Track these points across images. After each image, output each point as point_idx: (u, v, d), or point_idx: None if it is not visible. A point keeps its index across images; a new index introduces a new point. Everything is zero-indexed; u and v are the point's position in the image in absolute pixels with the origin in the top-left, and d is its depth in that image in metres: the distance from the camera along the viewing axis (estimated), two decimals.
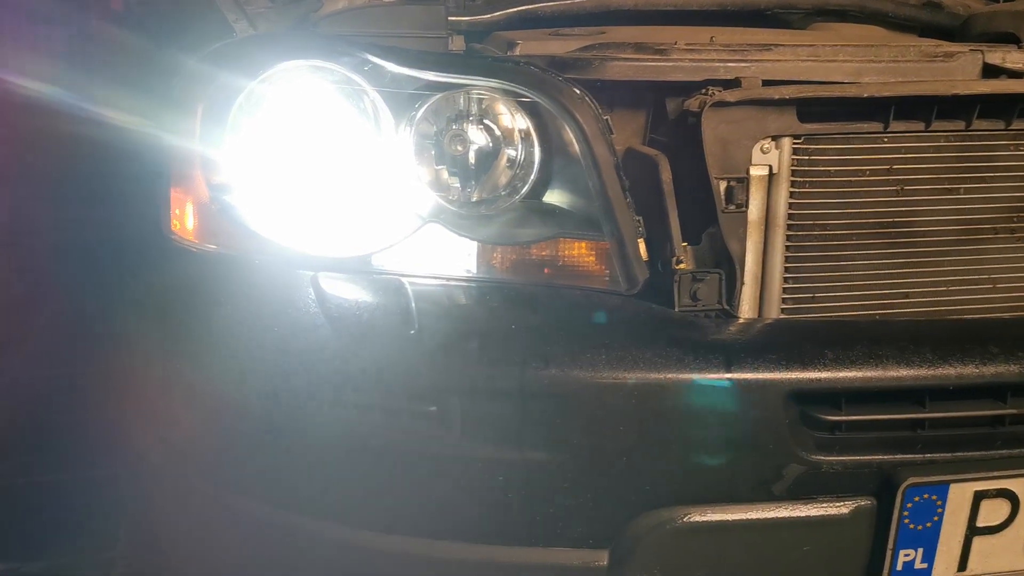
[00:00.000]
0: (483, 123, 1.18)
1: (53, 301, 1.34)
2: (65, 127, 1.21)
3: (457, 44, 1.38)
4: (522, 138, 1.18)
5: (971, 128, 1.20)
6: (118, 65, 1.24)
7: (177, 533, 1.33)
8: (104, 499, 1.49)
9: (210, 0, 1.33)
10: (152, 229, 1.20)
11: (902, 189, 1.20)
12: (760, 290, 1.21)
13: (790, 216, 1.19)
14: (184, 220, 1.21)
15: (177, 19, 1.33)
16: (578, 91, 1.16)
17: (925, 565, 1.15)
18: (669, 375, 1.09)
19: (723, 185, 1.16)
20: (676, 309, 1.17)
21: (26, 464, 1.63)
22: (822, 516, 1.12)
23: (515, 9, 1.49)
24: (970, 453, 1.13)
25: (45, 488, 1.63)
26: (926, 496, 1.11)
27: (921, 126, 1.19)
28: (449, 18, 1.39)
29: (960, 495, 1.13)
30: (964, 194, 1.21)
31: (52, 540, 1.56)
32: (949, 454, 1.12)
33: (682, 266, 1.17)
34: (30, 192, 1.31)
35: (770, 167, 1.18)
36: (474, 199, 1.19)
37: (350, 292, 1.16)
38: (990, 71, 1.26)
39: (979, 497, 1.13)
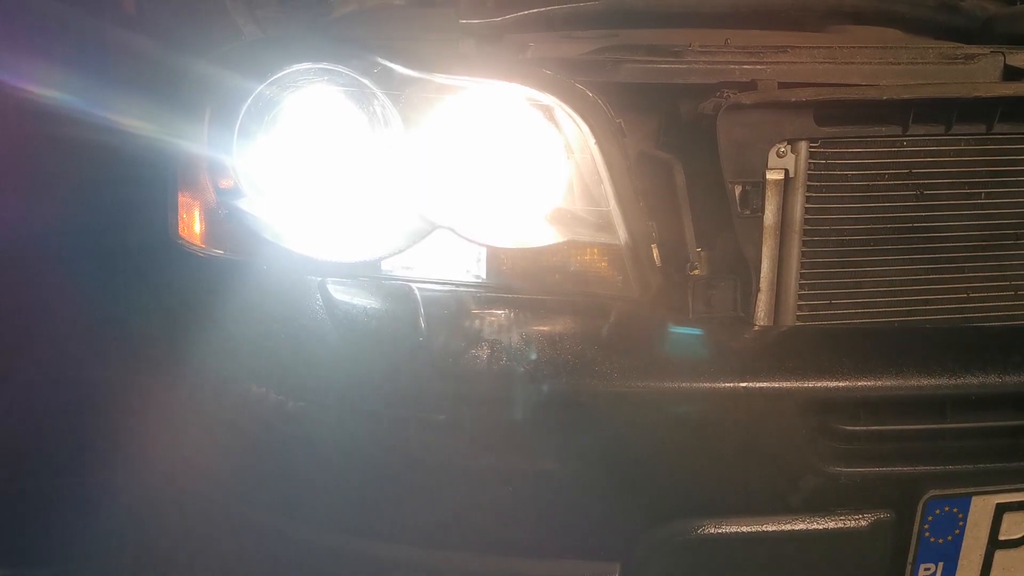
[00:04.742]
0: (493, 126, 1.16)
1: (60, 306, 1.33)
2: (72, 131, 1.20)
3: (468, 47, 1.36)
4: (533, 141, 1.16)
5: (992, 132, 1.17)
6: (125, 68, 1.23)
7: (181, 540, 1.31)
8: (110, 505, 1.48)
9: (219, 3, 1.32)
10: (160, 234, 1.19)
11: (921, 194, 1.18)
12: (776, 297, 1.18)
13: (806, 221, 1.17)
14: (192, 225, 1.20)
15: (185, 22, 1.32)
16: (591, 94, 1.14)
17: None
18: (682, 384, 1.07)
19: (738, 189, 1.14)
20: (690, 316, 1.14)
21: (32, 469, 1.62)
22: (840, 529, 1.09)
23: (526, 12, 1.47)
24: (992, 465, 1.10)
25: (51, 493, 1.62)
26: (947, 509, 1.09)
27: (941, 129, 1.16)
28: (460, 21, 1.37)
29: (982, 508, 1.10)
30: (985, 199, 1.19)
31: (56, 546, 1.56)
32: (971, 466, 1.09)
33: (696, 272, 1.15)
34: (36, 196, 1.30)
35: (786, 171, 1.15)
36: (483, 203, 1.18)
37: (358, 298, 1.15)
38: (1011, 73, 1.24)
39: (1001, 510, 1.10)
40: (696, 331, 1.13)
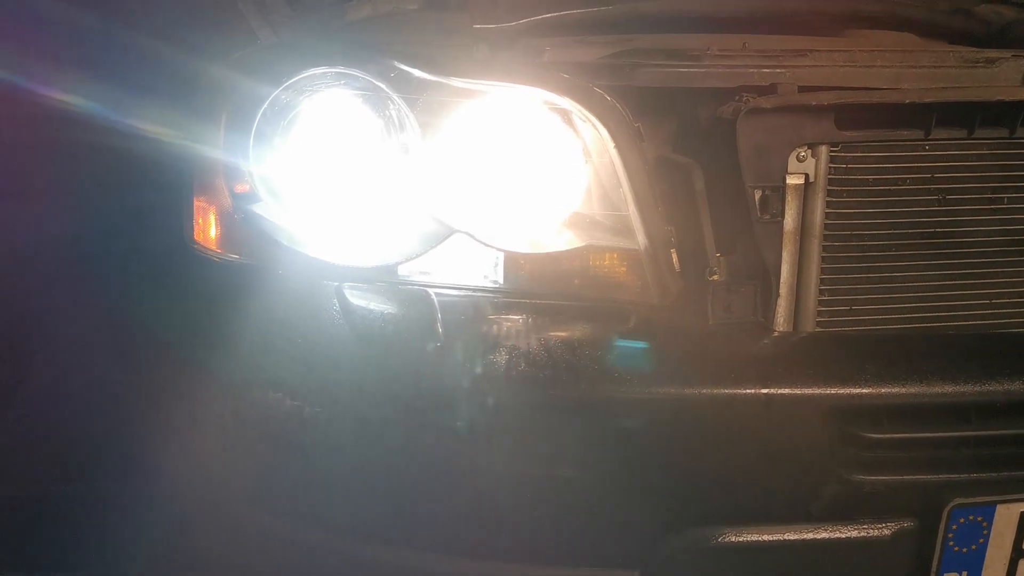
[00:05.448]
0: (511, 130, 1.15)
1: (73, 310, 1.32)
2: (87, 135, 1.19)
3: (482, 52, 1.36)
4: (551, 145, 1.15)
5: (1015, 136, 1.16)
6: (141, 73, 1.23)
7: (195, 546, 1.30)
8: (122, 511, 1.47)
9: (234, 7, 1.31)
10: (175, 239, 1.18)
11: (943, 198, 1.17)
12: (795, 302, 1.17)
13: (827, 226, 1.16)
14: (207, 229, 1.20)
15: (200, 26, 1.32)
16: (609, 98, 1.14)
17: None
18: (703, 390, 1.06)
19: (758, 194, 1.13)
20: (710, 322, 1.13)
21: (42, 474, 1.61)
22: (863, 538, 1.08)
23: (541, 16, 1.47)
24: (1017, 473, 1.09)
25: (61, 498, 1.61)
26: (972, 517, 1.07)
27: (963, 134, 1.15)
28: (474, 25, 1.37)
29: (1007, 516, 1.09)
30: (1008, 203, 1.18)
31: (67, 551, 1.55)
32: (996, 474, 1.08)
33: (715, 277, 1.14)
34: (51, 200, 1.29)
35: (806, 176, 1.14)
36: (501, 207, 1.17)
37: (375, 303, 1.14)
38: None
39: None
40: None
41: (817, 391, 1.06)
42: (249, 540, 1.19)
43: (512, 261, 1.17)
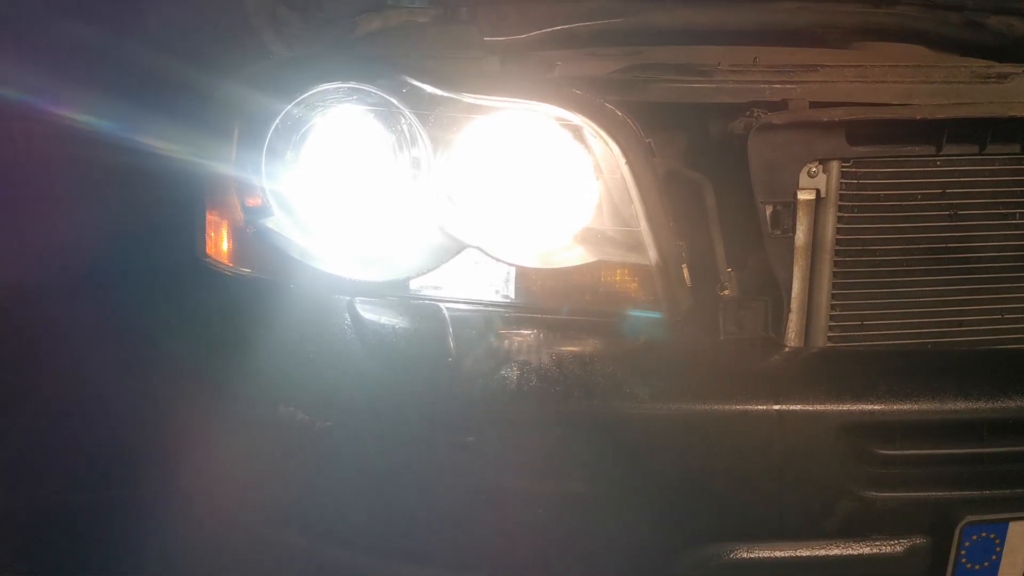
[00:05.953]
0: (522, 146, 1.15)
1: (87, 323, 1.33)
2: (101, 151, 1.20)
3: (492, 64, 1.36)
4: (563, 161, 1.16)
5: None
6: (154, 88, 1.24)
7: (204, 558, 1.31)
8: (130, 523, 1.47)
9: (246, 22, 1.32)
10: (187, 252, 1.19)
11: (955, 214, 1.16)
12: (807, 318, 1.17)
13: (838, 241, 1.16)
14: (219, 243, 1.20)
15: (213, 41, 1.32)
16: (620, 113, 1.14)
17: None
18: (714, 406, 1.06)
19: (769, 209, 1.13)
20: (721, 337, 1.13)
21: (53, 484, 1.62)
22: (875, 555, 1.08)
23: (551, 29, 1.47)
24: None
25: (74, 509, 1.62)
26: (984, 534, 1.07)
27: (975, 149, 1.15)
28: (485, 38, 1.37)
29: (1019, 533, 1.08)
30: (1020, 219, 1.17)
31: (75, 562, 1.55)
32: (1008, 491, 1.08)
33: (726, 292, 1.14)
34: (66, 215, 1.30)
35: (817, 191, 1.15)
36: (513, 223, 1.17)
37: (386, 317, 1.14)
38: None
39: None
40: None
41: (829, 407, 1.06)
42: (259, 551, 1.19)
43: (524, 276, 1.17)
